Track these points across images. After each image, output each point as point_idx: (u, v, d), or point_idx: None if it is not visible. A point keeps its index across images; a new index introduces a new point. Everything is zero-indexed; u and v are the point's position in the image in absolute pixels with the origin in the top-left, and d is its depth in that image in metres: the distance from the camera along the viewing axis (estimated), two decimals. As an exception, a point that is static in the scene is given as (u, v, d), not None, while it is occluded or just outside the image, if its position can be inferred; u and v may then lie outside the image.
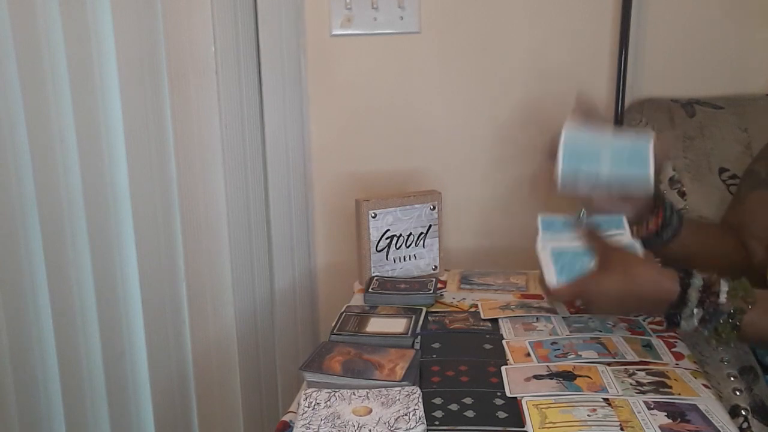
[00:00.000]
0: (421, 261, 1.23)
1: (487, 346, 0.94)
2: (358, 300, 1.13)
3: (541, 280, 0.97)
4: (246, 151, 1.43)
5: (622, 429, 0.72)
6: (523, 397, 0.80)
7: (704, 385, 0.83)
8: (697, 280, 0.86)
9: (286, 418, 0.80)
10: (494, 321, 1.02)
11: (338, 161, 1.56)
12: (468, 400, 0.79)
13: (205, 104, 1.34)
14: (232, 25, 1.36)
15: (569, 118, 0.98)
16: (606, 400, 0.78)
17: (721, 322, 0.84)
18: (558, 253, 0.95)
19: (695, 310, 0.85)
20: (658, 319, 1.02)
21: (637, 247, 0.95)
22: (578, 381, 0.82)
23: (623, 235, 0.97)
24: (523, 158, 1.53)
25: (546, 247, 0.96)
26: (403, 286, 1.14)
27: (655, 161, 0.96)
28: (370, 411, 0.76)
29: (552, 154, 0.98)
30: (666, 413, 0.75)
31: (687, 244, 1.04)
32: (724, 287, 0.85)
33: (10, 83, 1.06)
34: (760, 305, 0.84)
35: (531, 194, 1.53)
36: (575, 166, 0.96)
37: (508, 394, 0.80)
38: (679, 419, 0.74)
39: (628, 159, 0.96)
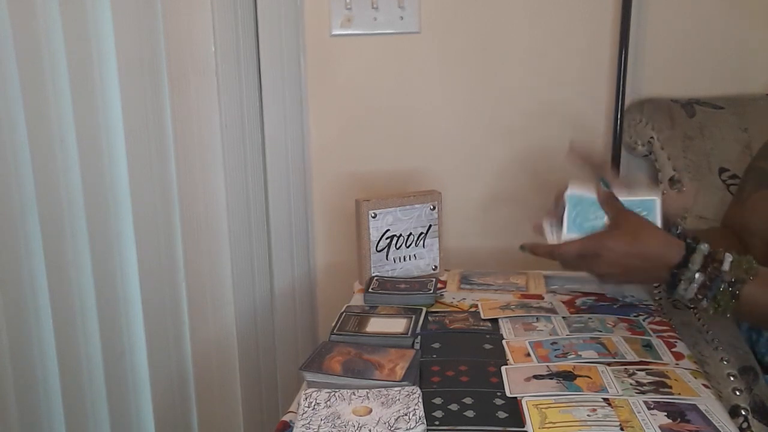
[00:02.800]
0: (421, 261, 1.23)
1: (487, 346, 0.94)
2: (358, 300, 1.13)
3: (539, 249, 0.98)
4: (246, 151, 1.43)
5: (622, 429, 0.72)
6: (523, 397, 0.80)
7: (704, 385, 0.83)
8: (703, 247, 0.88)
9: (286, 418, 0.79)
10: (494, 321, 1.02)
11: (338, 161, 1.57)
12: (468, 400, 0.79)
13: (205, 104, 1.34)
14: (232, 25, 1.36)
15: (571, 182, 0.99)
16: (606, 400, 0.78)
17: (721, 290, 0.86)
18: (575, 208, 0.98)
19: (697, 275, 0.87)
20: (658, 319, 1.02)
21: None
22: (578, 381, 0.82)
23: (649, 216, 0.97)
24: (523, 158, 1.54)
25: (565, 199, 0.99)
26: (403, 286, 1.14)
27: (668, 216, 0.98)
28: (370, 411, 0.76)
29: (553, 215, 1.00)
30: (666, 413, 0.75)
31: None
32: (728, 258, 0.87)
33: (10, 83, 1.06)
34: (762, 279, 0.86)
35: (530, 195, 1.53)
36: (578, 229, 0.98)
37: (508, 394, 0.80)
38: (679, 419, 0.74)
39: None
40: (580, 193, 0.99)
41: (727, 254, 0.87)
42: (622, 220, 0.94)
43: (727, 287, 0.86)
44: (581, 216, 0.98)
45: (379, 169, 1.56)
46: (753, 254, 1.09)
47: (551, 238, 1.00)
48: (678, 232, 1.00)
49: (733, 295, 0.86)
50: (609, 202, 0.97)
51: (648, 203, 0.97)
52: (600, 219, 0.97)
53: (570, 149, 1.01)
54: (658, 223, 0.97)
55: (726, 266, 0.86)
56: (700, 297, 0.88)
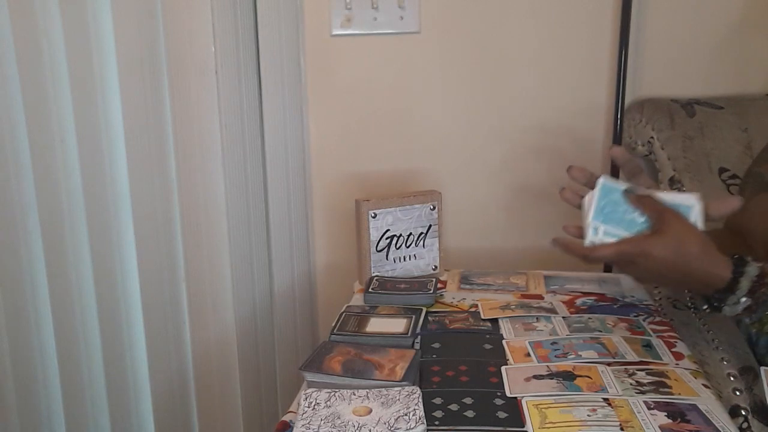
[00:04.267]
0: (421, 261, 1.23)
1: (487, 346, 0.94)
2: (358, 300, 1.13)
3: (572, 246, 0.90)
4: (246, 151, 1.43)
5: (622, 429, 0.72)
6: (523, 397, 0.80)
7: (704, 385, 0.83)
8: (752, 269, 0.83)
9: (286, 418, 0.79)
10: (494, 321, 1.02)
11: (338, 161, 1.57)
12: (468, 400, 0.79)
13: (205, 104, 1.34)
14: (232, 25, 1.36)
15: (604, 175, 0.92)
16: (606, 400, 0.78)
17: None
18: (605, 197, 0.91)
19: (743, 299, 0.83)
20: (658, 319, 1.02)
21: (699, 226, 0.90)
22: (578, 381, 0.82)
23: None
24: (523, 158, 1.53)
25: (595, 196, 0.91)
26: (403, 286, 1.14)
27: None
28: (370, 411, 0.76)
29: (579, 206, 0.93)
30: (666, 413, 0.75)
31: None
32: None
33: (10, 83, 1.06)
34: None
35: (530, 195, 1.53)
36: (605, 219, 0.91)
37: (508, 394, 0.80)
38: (679, 419, 0.74)
39: None
40: (612, 185, 0.91)
41: None
42: (665, 224, 0.86)
43: None
44: (610, 207, 0.91)
45: (379, 169, 1.56)
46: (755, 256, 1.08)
47: (587, 220, 0.92)
48: None
49: None
50: (646, 203, 0.88)
51: (683, 210, 0.89)
52: (630, 213, 0.90)
53: (569, 171, 0.95)
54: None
55: None
56: (743, 316, 0.84)
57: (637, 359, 0.88)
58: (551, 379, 0.83)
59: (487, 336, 0.97)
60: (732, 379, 1.01)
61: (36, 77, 1.10)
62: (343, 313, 1.05)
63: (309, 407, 0.77)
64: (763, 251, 1.08)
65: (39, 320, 1.17)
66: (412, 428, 0.72)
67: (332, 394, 0.80)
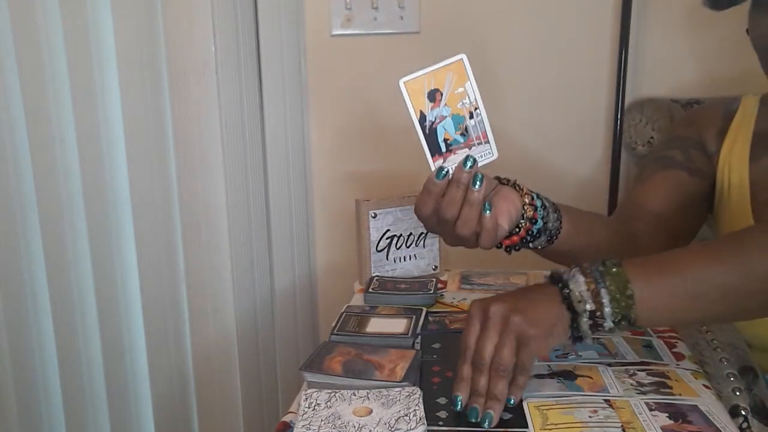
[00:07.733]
0: (422, 261, 1.22)
1: (488, 347, 0.94)
2: (358, 300, 1.13)
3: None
4: (246, 151, 1.43)
5: (624, 430, 0.72)
6: (524, 397, 0.79)
7: (705, 385, 0.83)
8: (574, 277, 0.77)
9: (287, 418, 0.79)
10: (495, 321, 1.02)
11: (338, 161, 1.56)
12: (469, 401, 0.79)
13: (205, 104, 1.34)
14: (232, 25, 1.36)
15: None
16: (607, 401, 0.78)
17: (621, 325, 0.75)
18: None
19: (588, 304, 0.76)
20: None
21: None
22: (579, 381, 0.82)
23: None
24: (523, 158, 1.53)
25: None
26: (403, 286, 1.14)
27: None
28: (371, 411, 0.76)
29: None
30: (667, 414, 0.75)
31: (572, 240, 0.95)
32: (605, 303, 0.75)
33: (10, 83, 1.06)
34: (644, 295, 0.74)
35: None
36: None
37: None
38: (680, 420, 0.74)
39: None
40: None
41: (604, 303, 0.75)
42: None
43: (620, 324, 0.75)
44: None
45: (379, 169, 1.56)
46: (638, 237, 1.03)
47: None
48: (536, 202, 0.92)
49: (631, 324, 0.75)
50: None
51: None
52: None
53: None
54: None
55: (608, 310, 0.75)
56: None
57: (638, 360, 0.88)
58: (552, 379, 0.83)
59: (488, 336, 0.97)
60: (732, 379, 1.01)
61: (36, 77, 1.10)
62: (343, 313, 1.05)
63: (309, 408, 0.77)
64: (654, 230, 1.05)
65: (39, 320, 1.17)
66: (413, 429, 0.72)
67: (332, 394, 0.80)
